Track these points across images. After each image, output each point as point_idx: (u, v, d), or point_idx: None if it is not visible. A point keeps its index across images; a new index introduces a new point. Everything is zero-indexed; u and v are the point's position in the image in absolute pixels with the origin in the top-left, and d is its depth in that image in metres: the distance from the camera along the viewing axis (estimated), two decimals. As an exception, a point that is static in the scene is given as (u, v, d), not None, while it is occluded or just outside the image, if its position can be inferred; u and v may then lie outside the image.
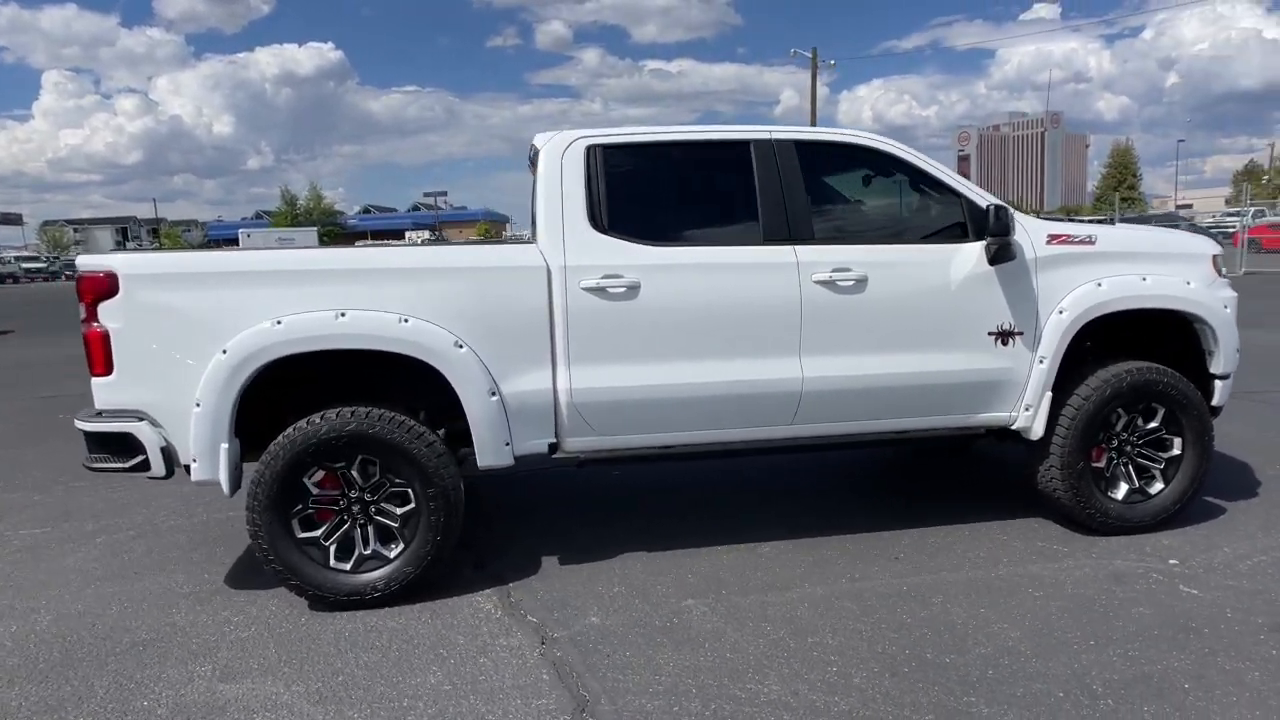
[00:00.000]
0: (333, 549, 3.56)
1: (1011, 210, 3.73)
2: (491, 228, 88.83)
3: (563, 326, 3.58)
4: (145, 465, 3.42)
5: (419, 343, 3.45)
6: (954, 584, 3.61)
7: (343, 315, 3.42)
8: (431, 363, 3.47)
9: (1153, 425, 4.05)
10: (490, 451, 3.60)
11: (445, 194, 77.84)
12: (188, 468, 3.47)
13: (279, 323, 3.39)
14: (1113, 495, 4.04)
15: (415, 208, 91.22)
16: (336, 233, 59.31)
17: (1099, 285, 3.90)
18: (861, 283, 3.74)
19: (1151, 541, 3.98)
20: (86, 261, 3.43)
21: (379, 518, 3.59)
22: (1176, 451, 4.07)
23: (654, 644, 3.19)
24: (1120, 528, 4.03)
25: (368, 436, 3.45)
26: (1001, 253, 3.79)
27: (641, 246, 3.64)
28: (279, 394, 3.57)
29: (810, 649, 3.11)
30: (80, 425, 3.48)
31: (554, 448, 3.74)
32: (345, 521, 3.57)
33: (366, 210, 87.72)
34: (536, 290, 3.57)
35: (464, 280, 3.55)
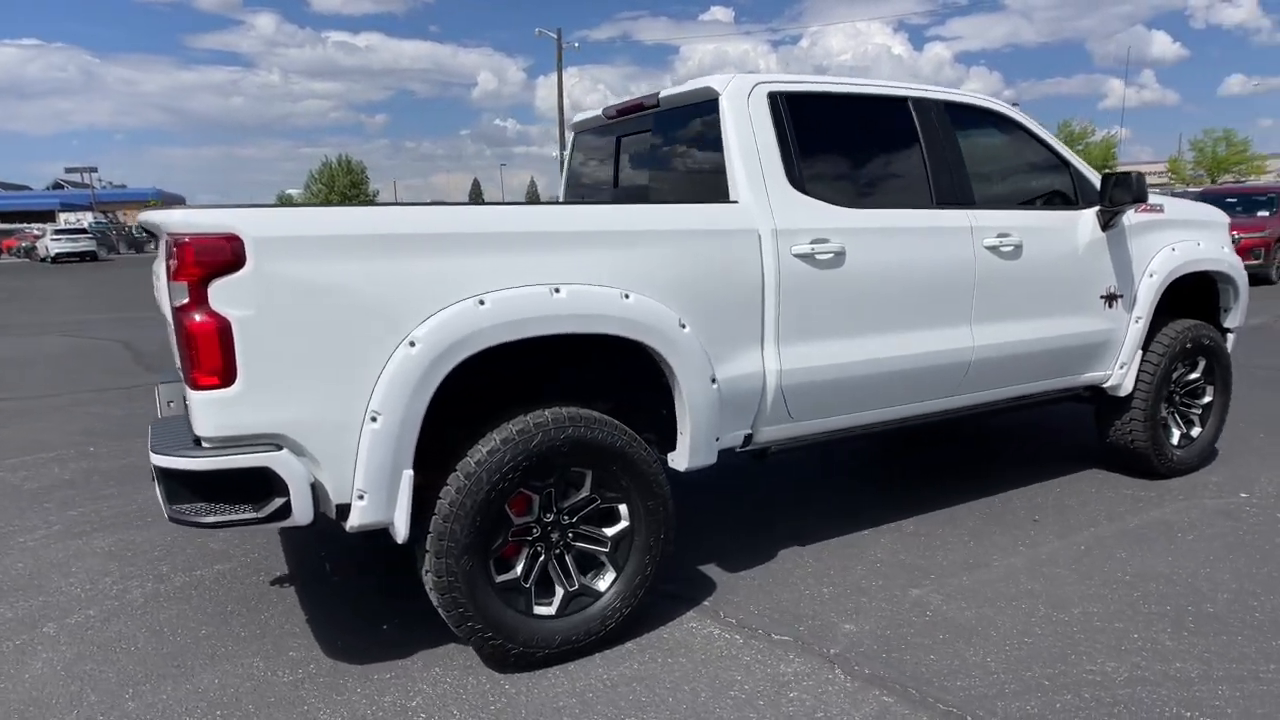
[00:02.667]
0: (532, 590, 2.79)
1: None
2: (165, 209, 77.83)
3: (773, 299, 3.11)
4: (285, 512, 2.40)
5: (645, 323, 2.79)
6: (1113, 538, 3.73)
7: (558, 291, 2.66)
8: (656, 347, 2.82)
9: (1194, 376, 4.51)
10: (702, 450, 3.03)
11: (95, 170, 65.99)
12: (342, 509, 2.50)
13: (482, 302, 2.54)
14: (1171, 442, 4.45)
15: (58, 185, 76.99)
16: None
17: (1173, 250, 4.25)
18: (1018, 249, 3.70)
19: (1203, 481, 4.44)
20: (190, 220, 2.30)
21: (579, 543, 2.87)
22: (1209, 399, 4.58)
23: (939, 640, 2.90)
24: (1179, 470, 4.45)
25: (589, 443, 2.73)
26: (1113, 220, 3.97)
27: (838, 209, 3.27)
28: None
29: (1080, 620, 3.02)
30: (176, 463, 2.36)
31: (748, 439, 3.26)
32: (539, 554, 2.81)
33: (-13, 188, 72.31)
34: (751, 257, 3.06)
35: (678, 246, 2.93)
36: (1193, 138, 53.03)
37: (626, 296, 2.77)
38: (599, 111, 4.06)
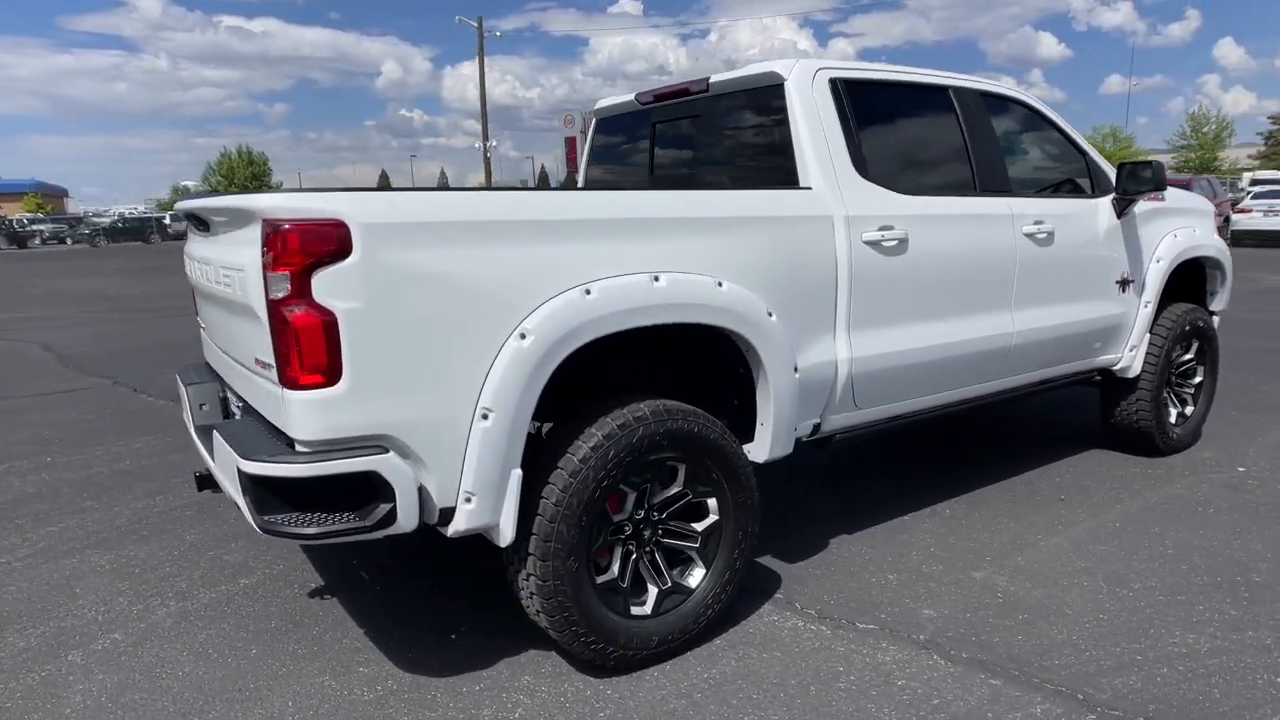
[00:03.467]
0: (629, 591, 2.69)
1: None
2: (46, 201, 72.82)
3: (846, 285, 3.08)
4: (390, 519, 2.23)
5: (738, 312, 2.72)
6: (1140, 514, 3.87)
7: (657, 279, 2.56)
8: (748, 337, 2.76)
9: (1188, 357, 4.73)
10: (781, 440, 2.98)
11: (-41, 160, 61.27)
12: (445, 513, 2.34)
13: (589, 292, 2.42)
14: (1169, 421, 4.65)
15: (-81, 176, 71.30)
16: None
17: (1176, 236, 4.44)
18: (1051, 236, 3.79)
19: (1199, 458, 4.66)
20: (292, 205, 2.10)
21: (668, 540, 2.78)
22: (1199, 379, 4.81)
23: (1020, 621, 2.94)
24: (1176, 448, 4.66)
25: (687, 436, 2.64)
26: (1128, 208, 4.12)
27: (899, 196, 3.27)
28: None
29: (1143, 595, 3.11)
30: (273, 469, 2.16)
31: (816, 428, 3.23)
32: (631, 553, 2.71)
33: None
34: (827, 245, 3.03)
35: (762, 233, 2.86)
36: (1083, 133, 56.23)
37: (720, 284, 2.69)
38: (630, 97, 3.96)
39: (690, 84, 3.56)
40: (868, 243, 3.11)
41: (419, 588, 3.35)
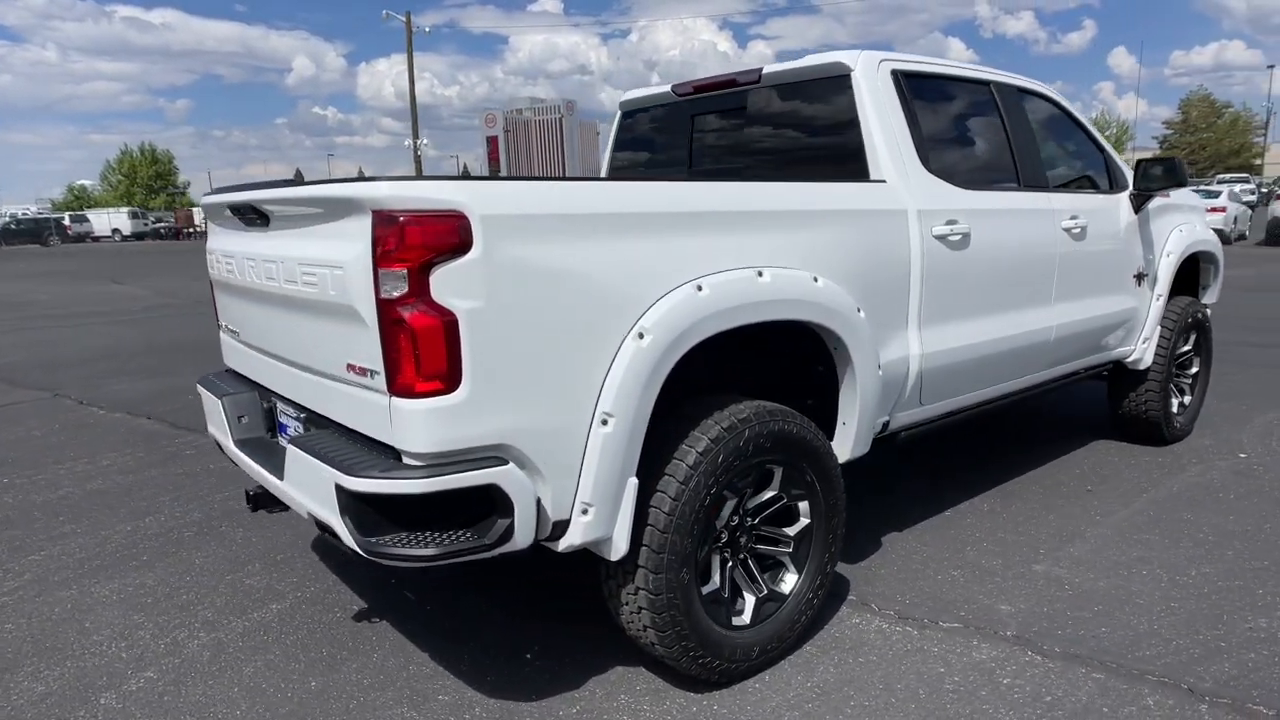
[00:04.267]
0: (730, 600, 2.57)
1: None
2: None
3: (919, 280, 3.04)
4: (507, 536, 2.06)
5: (832, 308, 2.64)
6: (1168, 502, 3.95)
7: (761, 275, 2.45)
8: (840, 334, 2.67)
9: (1186, 349, 4.89)
10: (864, 439, 2.92)
11: None
12: (557, 527, 2.18)
13: (700, 288, 2.30)
14: (1172, 410, 4.80)
15: None
16: None
17: (1181, 231, 4.57)
18: (1084, 230, 3.84)
19: (1198, 445, 4.82)
20: (408, 194, 1.91)
21: (761, 545, 2.68)
22: (1195, 369, 4.98)
23: (1096, 613, 2.94)
24: (1179, 436, 4.81)
25: (788, 438, 2.55)
26: (1144, 203, 4.22)
27: (959, 190, 3.24)
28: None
29: (1204, 581, 3.16)
30: (385, 486, 1.96)
31: (885, 425, 3.18)
32: (726, 560, 2.60)
33: None
34: (902, 238, 2.97)
35: (847, 227, 2.79)
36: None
37: (816, 280, 2.60)
38: (665, 88, 3.84)
39: (738, 75, 3.47)
40: (937, 237, 3.08)
41: (473, 606, 3.16)
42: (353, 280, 2.00)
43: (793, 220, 2.62)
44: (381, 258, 1.90)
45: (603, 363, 2.14)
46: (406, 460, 2.01)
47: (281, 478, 2.38)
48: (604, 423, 2.14)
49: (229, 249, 2.72)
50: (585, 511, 2.17)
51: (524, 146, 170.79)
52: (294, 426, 2.62)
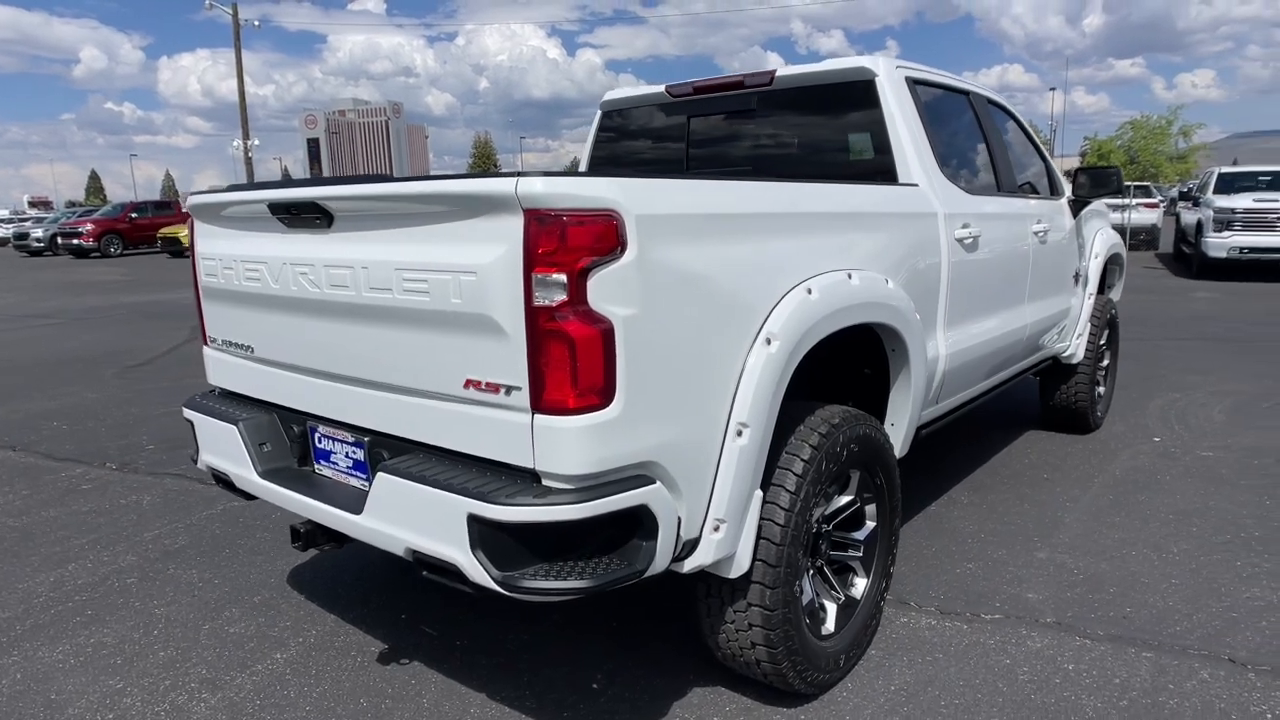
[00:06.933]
0: (819, 609, 2.52)
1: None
2: None
3: (946, 281, 3.12)
4: (649, 559, 1.91)
5: (900, 309, 2.65)
6: (1120, 487, 4.27)
7: (850, 277, 2.42)
8: (904, 335, 2.69)
9: (1103, 343, 5.33)
10: (908, 440, 2.95)
11: None
12: (687, 546, 2.05)
13: (810, 291, 2.23)
14: (1096, 400, 5.22)
15: None
16: None
17: (1102, 234, 4.98)
18: (1047, 234, 4.09)
19: (1115, 432, 5.26)
20: (563, 191, 1.72)
21: (834, 551, 2.64)
22: (1107, 362, 5.44)
23: (1114, 595, 3.12)
24: (1098, 424, 5.24)
25: (871, 443, 2.53)
26: (1081, 209, 4.56)
27: (967, 194, 3.36)
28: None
29: (1189, 558, 3.43)
30: (533, 514, 1.76)
31: (910, 425, 3.23)
32: (809, 568, 2.54)
33: None
34: (935, 241, 3.03)
35: (898, 229, 2.80)
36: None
37: (888, 283, 2.60)
38: (657, 88, 3.74)
39: (748, 76, 3.43)
40: (958, 239, 3.17)
41: (509, 637, 2.93)
42: (492, 286, 1.78)
43: (865, 222, 2.62)
44: (537, 261, 1.71)
45: (734, 370, 2.04)
46: (548, 484, 1.82)
47: (358, 510, 2.09)
48: (739, 433, 2.03)
49: (257, 254, 2.35)
50: (717, 528, 2.05)
51: (347, 149, 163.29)
52: (345, 453, 2.31)
